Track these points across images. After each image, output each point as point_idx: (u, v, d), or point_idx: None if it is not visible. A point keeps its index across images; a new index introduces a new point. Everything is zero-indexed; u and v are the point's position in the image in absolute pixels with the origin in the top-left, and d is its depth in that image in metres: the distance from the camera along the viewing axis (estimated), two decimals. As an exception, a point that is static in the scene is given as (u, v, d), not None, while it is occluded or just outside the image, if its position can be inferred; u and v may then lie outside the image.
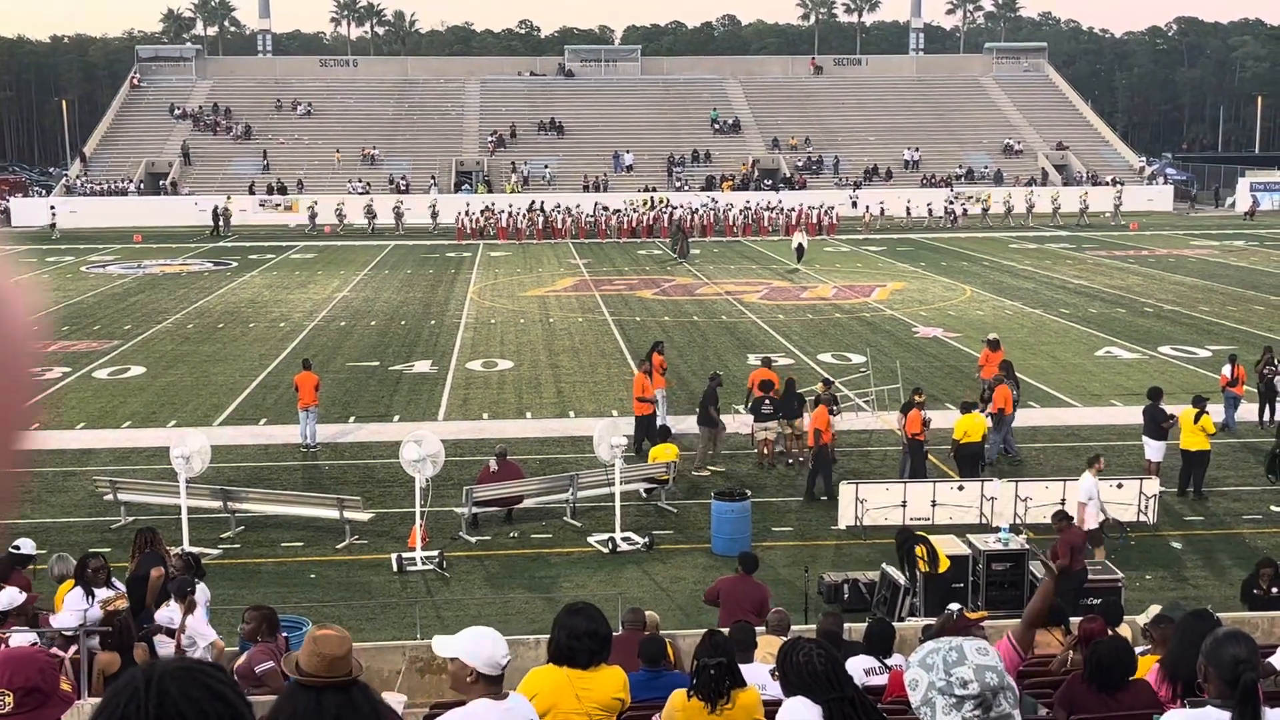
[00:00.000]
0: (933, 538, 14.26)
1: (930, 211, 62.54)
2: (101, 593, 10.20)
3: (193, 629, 9.94)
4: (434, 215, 59.05)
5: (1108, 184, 68.38)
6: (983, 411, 18.96)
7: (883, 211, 62.54)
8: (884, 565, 14.11)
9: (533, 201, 61.20)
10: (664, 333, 30.98)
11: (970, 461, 17.94)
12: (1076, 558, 13.32)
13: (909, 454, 18.20)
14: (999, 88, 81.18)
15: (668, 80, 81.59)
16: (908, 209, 62.60)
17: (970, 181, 70.47)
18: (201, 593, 10.64)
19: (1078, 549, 13.41)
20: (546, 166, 70.18)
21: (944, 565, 13.34)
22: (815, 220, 57.92)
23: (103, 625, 9.57)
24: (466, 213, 58.53)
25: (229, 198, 62.32)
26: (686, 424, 21.96)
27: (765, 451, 19.83)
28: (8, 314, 1.15)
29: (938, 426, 19.79)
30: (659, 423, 20.24)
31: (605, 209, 59.52)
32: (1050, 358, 28.34)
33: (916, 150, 72.69)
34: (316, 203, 61.47)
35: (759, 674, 7.55)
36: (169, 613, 10.26)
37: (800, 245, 45.03)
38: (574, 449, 20.64)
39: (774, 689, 6.94)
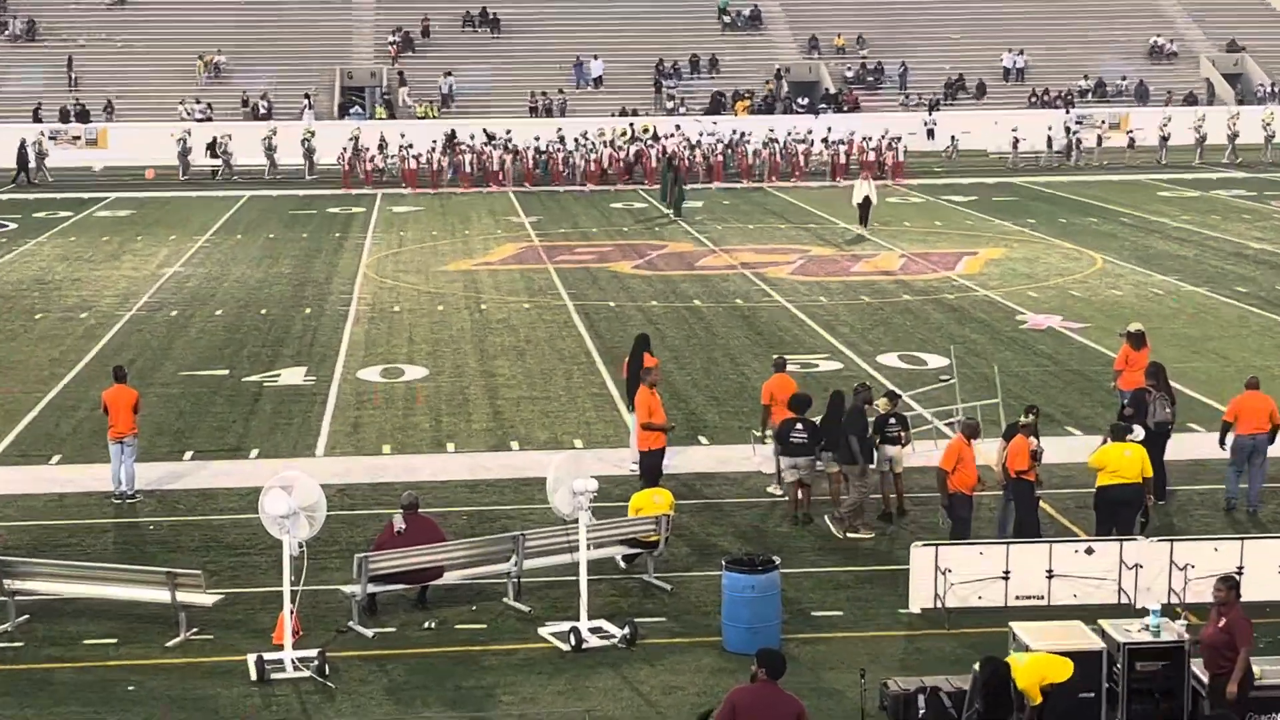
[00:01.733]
0: (1041, 626, 14.24)
1: (1060, 142, 62.76)
2: None
3: None
4: (356, 150, 58.39)
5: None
6: (1123, 433, 18.80)
7: (1019, 145, 62.47)
8: (977, 665, 14.12)
9: (452, 131, 61.05)
10: (651, 324, 30.94)
11: (1117, 512, 17.86)
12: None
13: (1012, 501, 18.21)
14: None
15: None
16: (1015, 141, 62.92)
17: (1101, 99, 70.59)
18: None
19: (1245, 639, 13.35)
20: (448, 74, 69.97)
21: (1038, 694, 13.24)
22: (874, 157, 58.04)
23: None
24: (356, 149, 58.62)
25: (43, 132, 62.06)
26: (684, 458, 21.93)
27: (798, 498, 19.84)
28: None
29: (1055, 460, 19.80)
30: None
31: (561, 141, 59.48)
32: (1220, 358, 28.40)
33: (1021, 54, 72.85)
34: (275, 133, 61.34)
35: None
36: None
37: (866, 198, 44.68)
38: (518, 497, 20.57)
39: None
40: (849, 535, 19.24)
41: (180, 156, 60.55)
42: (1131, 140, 63.28)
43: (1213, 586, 13.93)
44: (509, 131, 60.84)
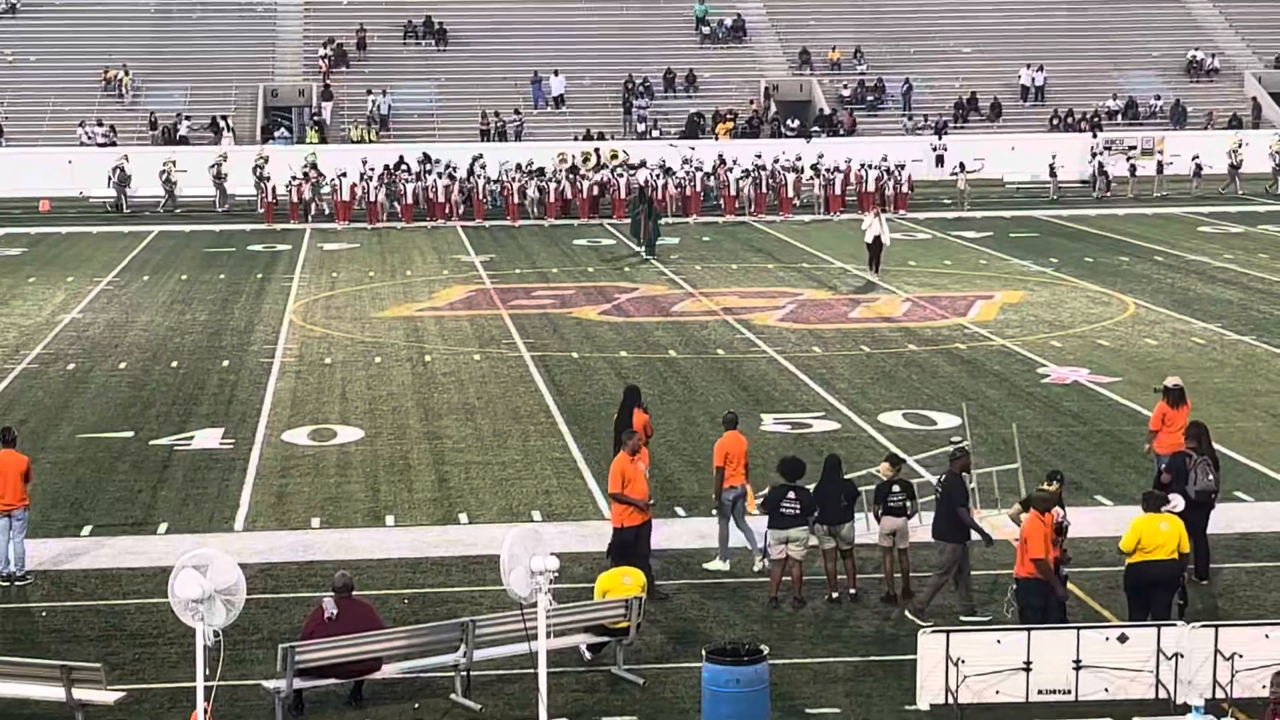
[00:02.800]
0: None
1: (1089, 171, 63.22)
2: None
3: None
4: (309, 181, 58.33)
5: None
6: (1158, 502, 18.81)
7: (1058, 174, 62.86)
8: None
9: (400, 159, 61.08)
10: (620, 379, 30.87)
11: (1151, 593, 17.85)
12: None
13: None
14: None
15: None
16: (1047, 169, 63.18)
17: (1132, 121, 70.91)
18: None
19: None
20: (374, 91, 69.96)
21: None
22: (874, 187, 58.10)
23: None
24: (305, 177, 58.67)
25: None
26: (659, 533, 21.85)
27: (780, 578, 19.78)
28: None
29: (1082, 534, 19.76)
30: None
31: (518, 168, 59.39)
32: (1269, 416, 28.51)
33: (1041, 70, 73.30)
34: (225, 158, 61.52)
35: None
36: None
37: (877, 239, 44.07)
38: (467, 577, 20.52)
39: None
40: (916, 614, 19.14)
41: (117, 187, 60.43)
42: (1198, 168, 63.21)
43: (1270, 681, 13.92)
44: (477, 157, 60.50)
